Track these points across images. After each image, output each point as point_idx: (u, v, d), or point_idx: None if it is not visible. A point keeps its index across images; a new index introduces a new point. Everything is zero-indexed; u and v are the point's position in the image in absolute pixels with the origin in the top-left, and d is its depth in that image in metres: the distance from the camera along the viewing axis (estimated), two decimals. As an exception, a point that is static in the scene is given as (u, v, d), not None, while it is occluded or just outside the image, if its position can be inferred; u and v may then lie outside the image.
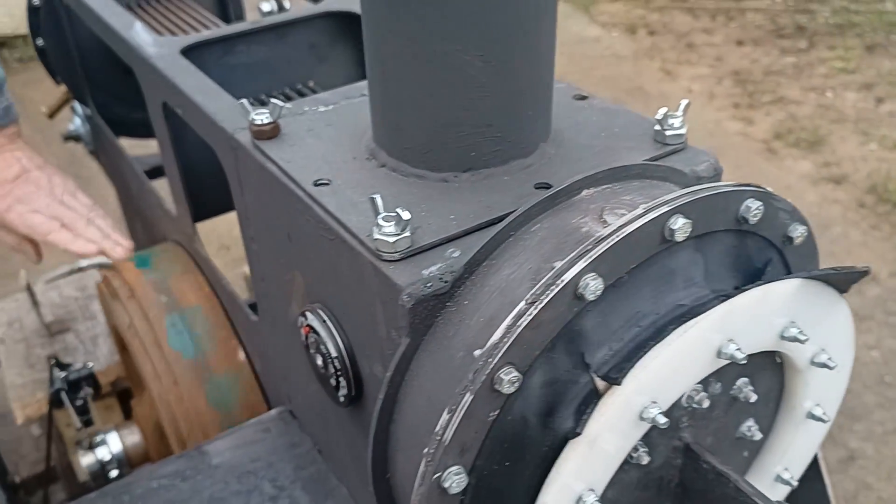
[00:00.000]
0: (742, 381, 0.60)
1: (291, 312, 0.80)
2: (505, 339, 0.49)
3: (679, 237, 0.52)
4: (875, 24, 4.22)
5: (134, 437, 1.22)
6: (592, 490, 0.52)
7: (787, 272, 0.64)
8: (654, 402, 0.52)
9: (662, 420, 0.51)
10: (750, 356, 0.57)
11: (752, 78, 3.75)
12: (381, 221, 0.56)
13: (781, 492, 0.69)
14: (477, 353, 0.51)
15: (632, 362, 0.50)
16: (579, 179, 0.58)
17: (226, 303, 1.09)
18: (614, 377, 0.50)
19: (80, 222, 1.13)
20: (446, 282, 0.56)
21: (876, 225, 2.64)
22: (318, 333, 0.70)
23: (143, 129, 1.67)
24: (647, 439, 0.56)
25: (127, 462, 1.22)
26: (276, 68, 1.07)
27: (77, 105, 1.65)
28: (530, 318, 0.49)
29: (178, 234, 1.19)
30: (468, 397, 0.50)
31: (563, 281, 0.49)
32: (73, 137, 1.70)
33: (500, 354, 0.49)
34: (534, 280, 0.54)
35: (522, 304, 0.50)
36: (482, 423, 0.51)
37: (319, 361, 0.71)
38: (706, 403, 0.57)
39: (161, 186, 1.28)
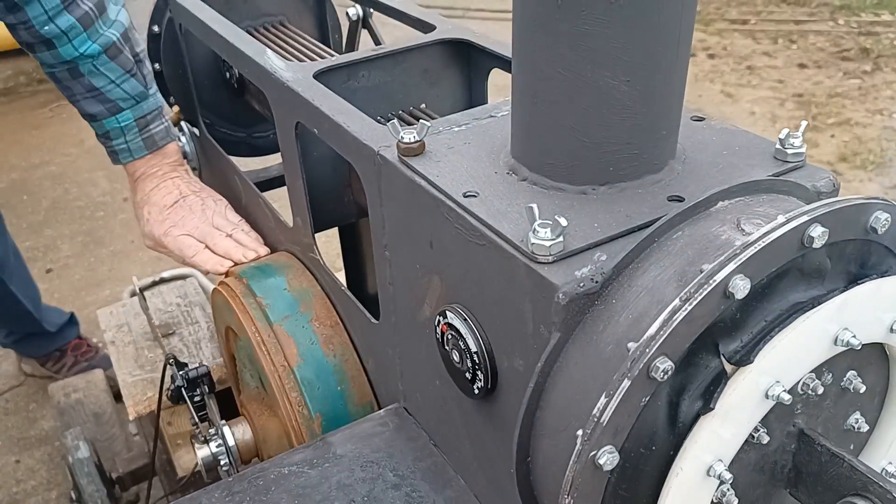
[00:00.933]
0: (852, 373, 0.65)
1: (421, 313, 0.88)
2: (661, 332, 0.55)
3: (817, 244, 0.58)
4: (943, 46, 4.17)
5: (245, 432, 1.31)
6: (721, 461, 0.58)
7: (905, 281, 0.69)
8: (778, 382, 0.57)
9: (787, 397, 0.57)
10: (862, 350, 0.62)
11: (815, 100, 3.74)
12: (537, 227, 0.63)
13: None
14: (631, 345, 0.58)
15: (760, 345, 0.56)
16: (716, 192, 0.65)
17: (340, 308, 1.17)
18: (746, 359, 0.56)
19: (218, 238, 1.27)
20: (596, 282, 0.62)
21: (950, 248, 2.61)
22: (456, 330, 0.77)
23: (244, 148, 1.79)
24: (765, 421, 0.61)
25: (239, 456, 1.31)
26: (391, 92, 1.16)
27: (184, 125, 1.78)
28: (685, 313, 0.55)
29: (291, 245, 1.28)
30: (626, 383, 0.56)
31: (714, 281, 0.55)
32: (178, 155, 1.83)
33: (656, 346, 0.55)
34: (680, 281, 0.60)
35: (677, 301, 0.56)
36: (634, 408, 0.57)
37: (456, 357, 0.79)
38: (820, 390, 0.62)
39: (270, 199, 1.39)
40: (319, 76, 1.07)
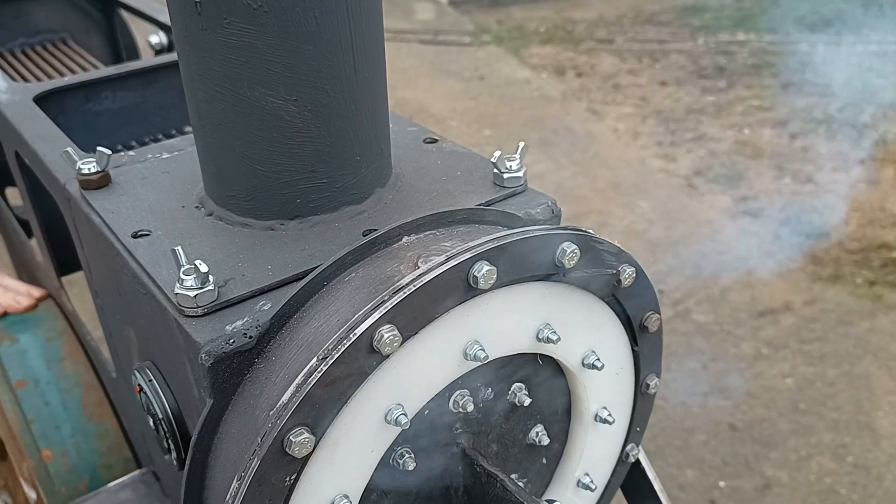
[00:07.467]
0: (517, 386, 0.59)
1: (133, 370, 0.76)
2: (294, 399, 0.46)
3: (483, 285, 0.50)
4: (789, 63, 4.43)
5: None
6: (346, 496, 0.50)
7: (623, 313, 0.63)
8: (400, 405, 0.50)
9: (404, 420, 0.50)
10: (523, 362, 0.57)
11: (674, 116, 3.87)
12: (182, 275, 0.53)
13: (587, 498, 0.69)
14: (271, 413, 0.48)
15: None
16: (398, 225, 0.57)
17: (93, 359, 1.03)
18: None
19: None
20: (251, 337, 0.53)
21: (791, 256, 2.72)
22: (146, 393, 0.66)
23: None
24: (414, 444, 0.55)
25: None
26: (146, 114, 1.04)
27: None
28: (320, 374, 0.46)
29: (50, 287, 1.13)
30: (255, 462, 0.46)
31: (355, 334, 0.47)
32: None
33: (288, 415, 0.46)
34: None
35: (314, 360, 0.47)
36: (277, 490, 0.48)
37: (151, 423, 0.67)
38: (470, 407, 0.55)
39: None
40: (44, 98, 0.93)
